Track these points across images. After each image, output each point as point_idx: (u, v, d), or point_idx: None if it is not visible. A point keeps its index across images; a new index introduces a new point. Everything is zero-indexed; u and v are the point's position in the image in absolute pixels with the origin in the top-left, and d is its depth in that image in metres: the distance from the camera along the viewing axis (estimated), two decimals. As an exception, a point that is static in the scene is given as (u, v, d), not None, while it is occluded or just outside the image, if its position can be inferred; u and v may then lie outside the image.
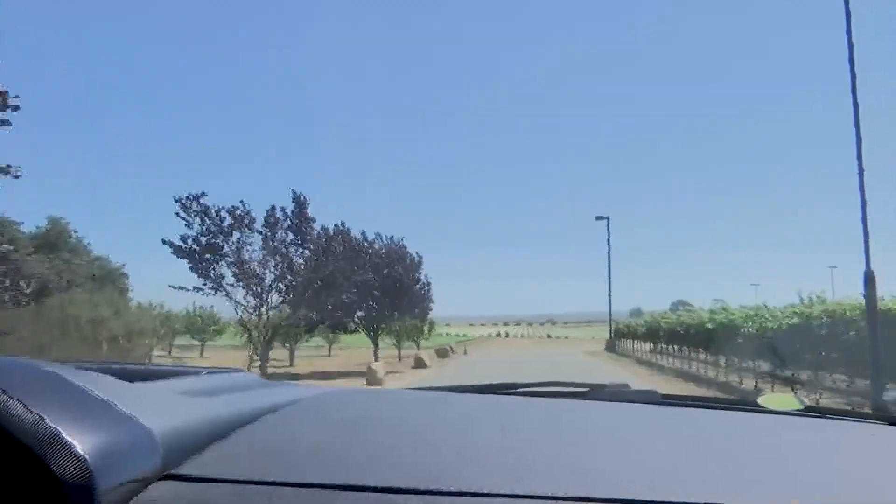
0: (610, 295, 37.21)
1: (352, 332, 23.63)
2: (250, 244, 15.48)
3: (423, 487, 0.66)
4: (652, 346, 29.57)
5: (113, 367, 0.98)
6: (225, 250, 15.12)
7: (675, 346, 24.20)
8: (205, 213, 14.93)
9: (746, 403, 1.23)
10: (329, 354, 35.99)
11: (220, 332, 36.50)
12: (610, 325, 37.42)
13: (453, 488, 0.66)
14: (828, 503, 0.69)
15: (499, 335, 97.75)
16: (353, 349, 37.25)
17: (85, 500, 0.57)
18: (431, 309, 23.44)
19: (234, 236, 15.30)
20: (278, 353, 30.77)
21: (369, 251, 20.39)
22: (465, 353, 35.17)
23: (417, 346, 33.76)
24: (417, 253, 21.77)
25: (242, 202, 15.55)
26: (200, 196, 15.09)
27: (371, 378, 15.74)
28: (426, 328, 34.16)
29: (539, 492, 0.66)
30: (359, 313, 21.87)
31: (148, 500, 0.64)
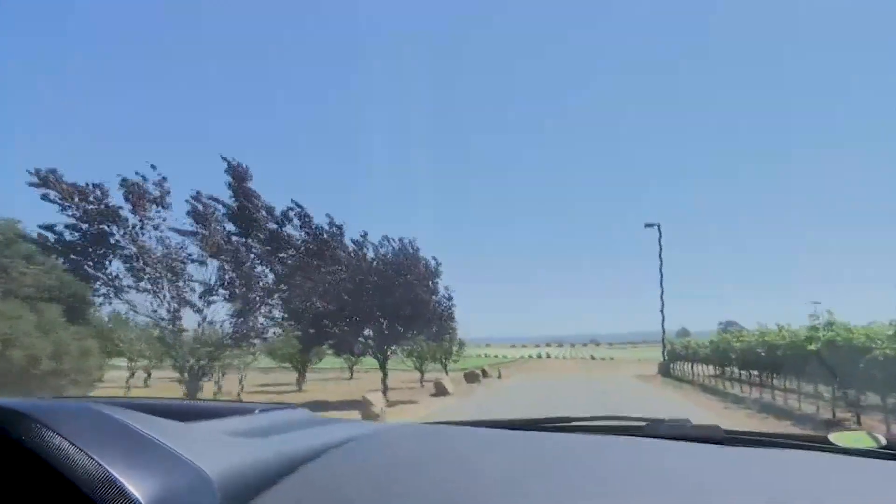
0: (663, 310, 32.93)
1: (360, 355, 20.23)
2: (159, 229, 11.22)
3: None
4: (717, 370, 25.38)
5: (168, 406, 0.98)
6: (114, 239, 10.85)
7: (751, 372, 20.17)
8: (71, 192, 10.47)
9: (817, 440, 1.16)
10: (350, 377, 32.92)
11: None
12: (663, 344, 33.04)
13: None
14: None
15: (540, 356, 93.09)
16: (378, 372, 34.02)
17: None
18: (454, 328, 19.86)
19: (130, 220, 10.98)
20: (286, 376, 27.91)
21: (365, 252, 17.02)
22: (498, 377, 31.30)
23: (445, 368, 30.29)
24: (434, 258, 18.28)
25: (148, 164, 11.36)
26: (54, 173, 10.57)
27: (366, 411, 12.36)
28: (455, 349, 30.68)
29: None
30: (365, 331, 18.55)
31: None
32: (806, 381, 14.57)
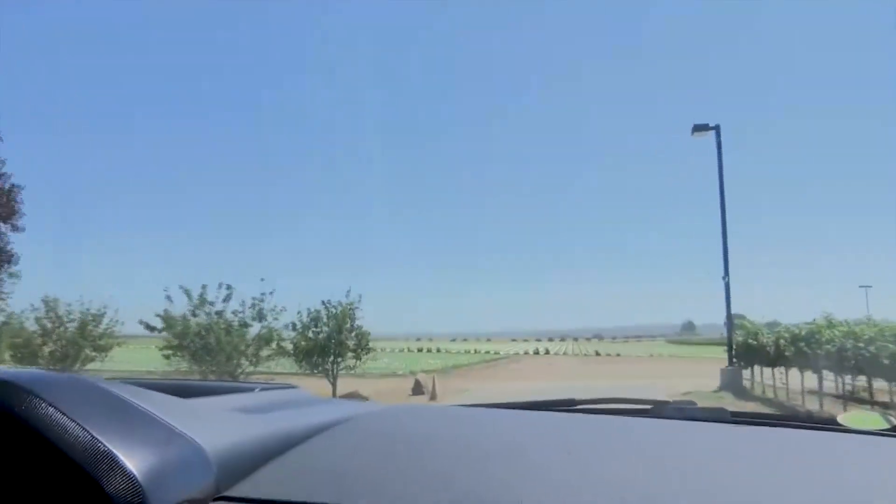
0: (727, 275, 18.72)
1: None
2: None
3: None
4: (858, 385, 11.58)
5: (165, 384, 0.97)
6: None
7: None
8: None
9: (825, 422, 1.15)
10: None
11: (105, 349, 19.60)
12: (729, 337, 18.78)
13: None
14: None
15: (537, 352, 79.42)
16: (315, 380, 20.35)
17: None
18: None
19: None
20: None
21: None
22: (431, 397, 17.29)
23: (329, 377, 16.48)
24: None
25: None
26: None
27: None
28: (351, 342, 16.81)
29: None
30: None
31: None
32: None
